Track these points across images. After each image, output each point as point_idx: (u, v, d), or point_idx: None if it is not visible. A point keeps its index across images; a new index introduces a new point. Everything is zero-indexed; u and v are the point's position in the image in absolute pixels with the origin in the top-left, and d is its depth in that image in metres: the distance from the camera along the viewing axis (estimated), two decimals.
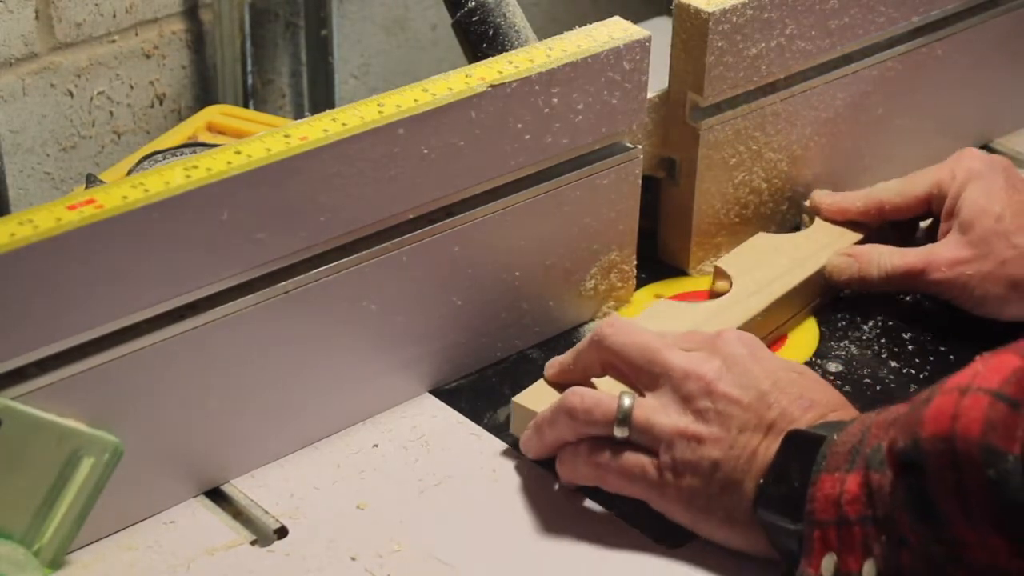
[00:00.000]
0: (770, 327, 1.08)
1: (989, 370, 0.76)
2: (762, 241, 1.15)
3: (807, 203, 1.18)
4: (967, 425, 0.74)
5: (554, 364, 0.98)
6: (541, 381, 0.99)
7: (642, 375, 0.92)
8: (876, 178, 1.26)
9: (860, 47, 1.19)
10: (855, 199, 1.15)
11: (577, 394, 0.92)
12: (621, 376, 0.94)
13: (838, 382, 1.06)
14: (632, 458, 0.91)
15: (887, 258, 1.10)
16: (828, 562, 0.82)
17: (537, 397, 0.97)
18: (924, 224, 1.17)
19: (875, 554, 0.80)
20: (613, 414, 0.90)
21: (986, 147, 1.34)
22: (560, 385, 0.97)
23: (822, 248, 1.13)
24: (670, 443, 0.89)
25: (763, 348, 0.93)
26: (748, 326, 1.04)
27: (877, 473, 0.80)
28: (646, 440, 0.90)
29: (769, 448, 0.87)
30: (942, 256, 1.08)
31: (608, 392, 0.93)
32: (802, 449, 0.85)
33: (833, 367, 1.08)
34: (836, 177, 1.23)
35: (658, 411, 0.90)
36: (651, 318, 1.05)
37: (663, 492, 0.90)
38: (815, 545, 0.83)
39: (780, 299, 1.08)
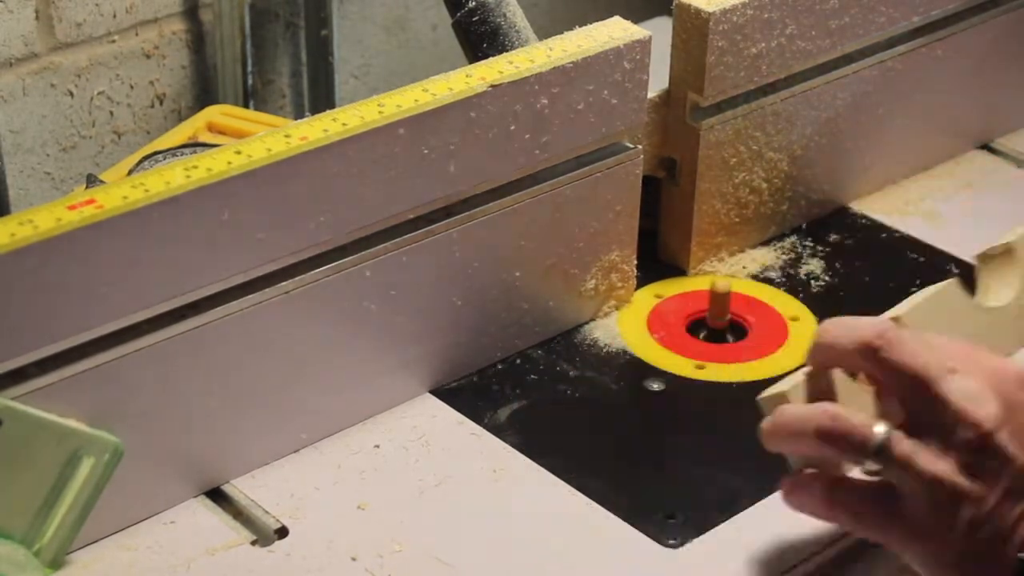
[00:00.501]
0: None
1: None
2: None
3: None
4: None
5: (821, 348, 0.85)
6: (790, 378, 0.87)
7: (908, 401, 0.82)
8: (876, 178, 1.26)
9: (860, 47, 1.19)
10: None
11: (830, 415, 0.82)
12: (886, 390, 0.84)
13: None
14: (874, 504, 0.82)
15: None
16: None
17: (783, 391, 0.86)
18: None
19: None
20: (867, 444, 0.81)
21: (987, 147, 1.34)
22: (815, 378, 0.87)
23: None
24: (922, 491, 0.80)
25: None
26: None
27: None
28: (896, 479, 0.81)
29: None
30: None
31: (865, 417, 0.82)
32: None
33: None
34: (836, 177, 1.23)
35: (916, 451, 0.80)
36: (932, 306, 0.91)
37: (907, 544, 0.82)
38: None
39: None
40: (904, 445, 0.80)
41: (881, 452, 0.80)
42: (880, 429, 0.81)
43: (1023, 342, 0.94)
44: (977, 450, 0.79)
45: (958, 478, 0.79)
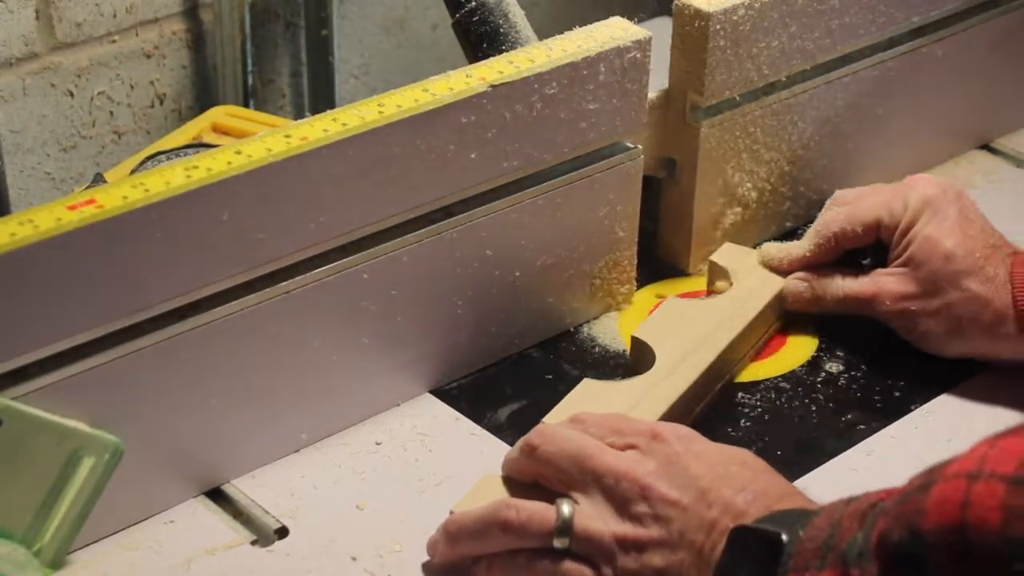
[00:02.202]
0: (705, 394, 1.03)
1: (1000, 454, 0.69)
2: (676, 307, 1.08)
3: (762, 260, 1.12)
4: (983, 515, 0.67)
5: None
6: (474, 487, 0.91)
7: (575, 482, 0.87)
8: (876, 178, 1.26)
9: (860, 47, 1.19)
10: (806, 243, 1.11)
11: (512, 507, 0.86)
12: (553, 485, 0.88)
13: (837, 384, 1.06)
14: (574, 570, 0.85)
15: (840, 283, 1.08)
16: None
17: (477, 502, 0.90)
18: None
19: None
20: (551, 525, 0.85)
21: (987, 147, 1.34)
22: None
23: (740, 308, 1.07)
24: (610, 552, 0.85)
25: (701, 441, 0.88)
26: (683, 399, 0.99)
27: (856, 568, 0.73)
28: (586, 549, 0.85)
29: (715, 548, 0.82)
30: (890, 288, 1.06)
31: (543, 503, 0.87)
32: (749, 546, 0.80)
33: (834, 367, 1.08)
34: (836, 177, 1.23)
35: (595, 518, 0.85)
36: (578, 400, 0.98)
37: None
38: None
39: (710, 367, 1.02)
40: (583, 514, 0.85)
41: (568, 527, 0.85)
42: (564, 505, 0.85)
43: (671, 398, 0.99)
44: (643, 502, 0.85)
45: (635, 531, 0.84)
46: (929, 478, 0.71)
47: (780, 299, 1.10)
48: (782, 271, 1.11)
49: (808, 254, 1.10)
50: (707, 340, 1.04)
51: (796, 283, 1.10)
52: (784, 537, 0.78)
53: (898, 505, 0.72)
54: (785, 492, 0.86)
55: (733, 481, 0.85)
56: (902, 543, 0.70)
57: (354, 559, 0.91)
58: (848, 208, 1.10)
